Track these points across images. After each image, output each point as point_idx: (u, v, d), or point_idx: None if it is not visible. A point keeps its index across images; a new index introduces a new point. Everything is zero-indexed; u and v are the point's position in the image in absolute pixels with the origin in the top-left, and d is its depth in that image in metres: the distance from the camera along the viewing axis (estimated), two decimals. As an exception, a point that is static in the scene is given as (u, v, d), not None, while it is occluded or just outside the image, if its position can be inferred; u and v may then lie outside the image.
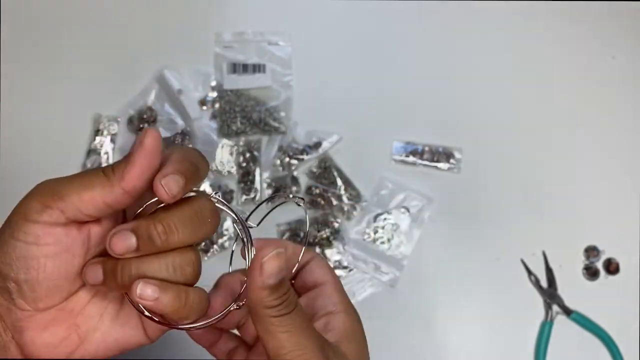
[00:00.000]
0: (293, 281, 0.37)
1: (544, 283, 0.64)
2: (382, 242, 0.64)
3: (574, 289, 0.64)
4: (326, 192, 0.65)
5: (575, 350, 0.63)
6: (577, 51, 0.69)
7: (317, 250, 0.64)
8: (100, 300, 0.32)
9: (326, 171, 0.66)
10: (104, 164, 0.65)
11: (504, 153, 0.67)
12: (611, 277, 0.64)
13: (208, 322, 0.33)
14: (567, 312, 0.63)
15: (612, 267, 0.64)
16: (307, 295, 0.36)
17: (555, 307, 0.63)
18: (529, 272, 0.64)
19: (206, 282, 0.66)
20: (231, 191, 0.65)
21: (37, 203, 0.29)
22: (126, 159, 0.29)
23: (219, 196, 0.32)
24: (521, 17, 0.70)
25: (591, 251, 0.64)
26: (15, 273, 0.29)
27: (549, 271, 0.64)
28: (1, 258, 0.29)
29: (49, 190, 0.30)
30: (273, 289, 0.29)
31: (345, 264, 0.64)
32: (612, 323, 0.63)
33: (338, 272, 0.64)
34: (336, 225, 0.64)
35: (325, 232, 0.64)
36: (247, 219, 0.34)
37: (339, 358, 0.32)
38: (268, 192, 0.65)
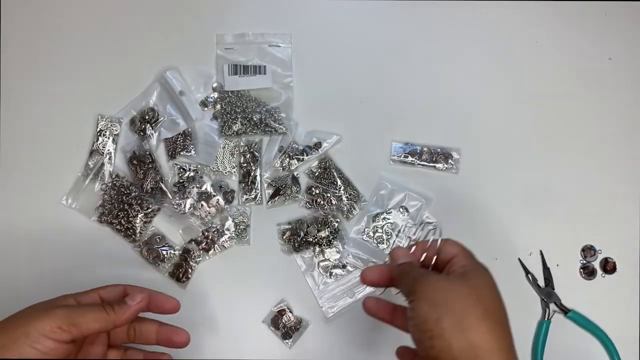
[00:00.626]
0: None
1: (541, 282, 0.64)
2: (381, 242, 0.65)
3: (571, 288, 0.64)
4: (326, 192, 0.66)
5: (572, 348, 0.64)
6: (574, 53, 0.70)
7: (317, 249, 0.65)
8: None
9: (326, 171, 0.66)
10: (106, 165, 0.66)
11: (501, 154, 0.67)
12: (608, 277, 0.65)
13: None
14: (564, 311, 0.63)
15: (609, 267, 0.64)
16: (446, 267, 0.45)
17: (552, 306, 0.63)
18: (526, 271, 0.64)
19: (207, 281, 0.67)
20: (232, 191, 0.66)
21: (57, 325, 0.42)
22: (126, 307, 0.47)
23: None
24: (519, 19, 0.70)
25: (588, 251, 0.65)
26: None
27: (546, 270, 0.64)
28: (17, 357, 0.41)
29: (66, 316, 0.43)
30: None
31: (344, 263, 0.65)
32: (609, 322, 0.63)
33: (337, 271, 0.64)
34: (336, 224, 0.65)
35: (325, 232, 0.64)
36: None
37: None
38: (269, 192, 0.66)
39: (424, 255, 0.46)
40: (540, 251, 0.65)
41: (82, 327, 0.43)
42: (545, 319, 0.63)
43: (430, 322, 0.39)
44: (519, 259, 0.65)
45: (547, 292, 0.64)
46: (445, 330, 0.38)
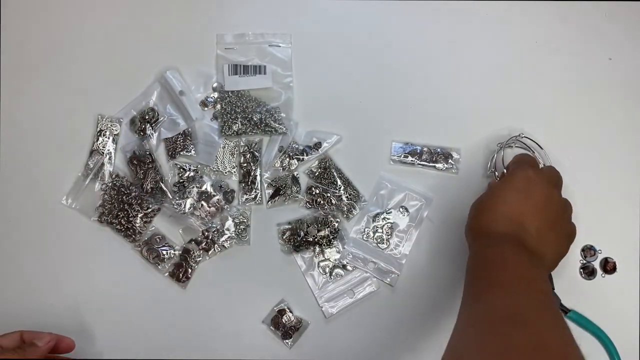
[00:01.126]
0: None
1: None
2: (381, 242, 0.65)
3: (571, 288, 0.64)
4: (326, 192, 0.66)
5: None
6: (574, 53, 0.70)
7: (317, 249, 0.65)
8: None
9: (326, 171, 0.66)
10: (106, 165, 0.66)
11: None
12: (608, 277, 0.65)
13: None
14: (564, 311, 0.63)
15: (609, 267, 0.64)
16: None
17: None
18: None
19: (207, 281, 0.67)
20: (232, 191, 0.66)
21: None
22: (33, 347, 0.55)
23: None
24: (519, 19, 0.71)
25: (588, 250, 0.65)
26: None
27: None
28: None
29: None
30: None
31: (344, 263, 0.65)
32: (609, 322, 0.63)
33: (337, 271, 0.64)
34: (336, 224, 0.65)
35: (325, 232, 0.64)
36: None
37: None
38: (269, 192, 0.66)
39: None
40: None
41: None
42: None
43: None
44: None
45: None
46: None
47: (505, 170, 0.62)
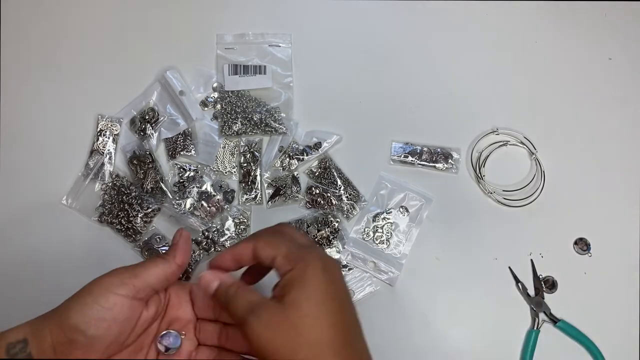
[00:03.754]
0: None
1: (531, 291, 0.63)
2: (381, 242, 0.65)
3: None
4: (326, 192, 0.66)
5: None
6: (574, 53, 0.70)
7: (317, 249, 0.65)
8: None
9: (326, 171, 0.66)
10: (106, 165, 0.66)
11: (501, 154, 0.67)
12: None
13: None
14: (554, 320, 0.62)
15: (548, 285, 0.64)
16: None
17: (541, 316, 0.62)
18: (516, 280, 0.64)
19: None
20: (232, 191, 0.66)
21: (118, 280, 0.41)
22: (173, 247, 0.44)
23: None
24: (519, 19, 0.71)
25: (580, 243, 0.65)
26: (89, 330, 0.39)
27: (536, 279, 0.63)
28: (83, 318, 0.39)
29: (126, 272, 0.41)
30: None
31: (344, 263, 0.65)
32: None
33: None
34: (336, 224, 0.65)
35: (325, 232, 0.64)
36: None
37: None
38: (269, 192, 0.66)
39: (243, 267, 0.45)
40: (531, 260, 0.64)
41: (142, 276, 0.41)
42: (534, 328, 0.62)
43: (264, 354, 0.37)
44: (509, 267, 0.64)
45: (536, 302, 0.63)
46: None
47: None
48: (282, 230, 0.45)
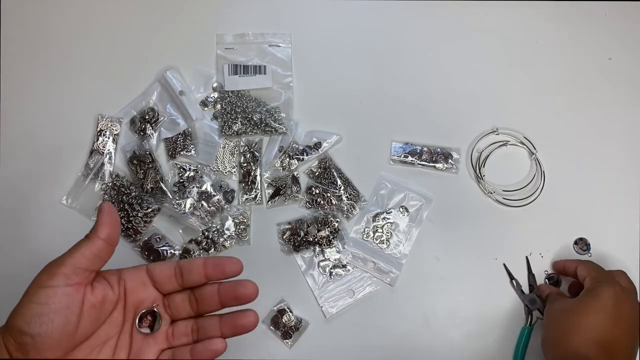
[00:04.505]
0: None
1: (525, 288, 0.64)
2: (381, 242, 0.65)
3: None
4: (326, 192, 0.66)
5: None
6: (574, 53, 0.70)
7: (317, 249, 0.65)
8: (94, 357, 0.43)
9: (326, 171, 0.66)
10: (106, 164, 0.66)
11: (501, 154, 0.67)
12: None
13: None
14: None
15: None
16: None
17: (535, 313, 0.62)
18: (511, 277, 0.64)
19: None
20: (232, 191, 0.66)
21: (46, 273, 0.41)
22: (95, 223, 0.43)
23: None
24: (519, 19, 0.71)
25: (581, 243, 0.65)
26: (31, 329, 0.39)
27: (530, 276, 0.64)
28: (23, 319, 0.39)
29: (54, 263, 0.42)
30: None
31: (344, 263, 0.65)
32: None
33: (337, 271, 0.64)
34: (336, 224, 0.65)
35: (325, 232, 0.64)
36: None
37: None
38: (269, 192, 0.66)
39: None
40: (527, 257, 0.65)
41: (67, 261, 0.41)
42: (528, 325, 0.62)
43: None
44: (504, 264, 0.64)
45: (530, 299, 0.63)
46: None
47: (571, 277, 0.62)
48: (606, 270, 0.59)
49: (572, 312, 0.55)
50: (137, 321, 0.45)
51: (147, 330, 0.45)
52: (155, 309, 0.46)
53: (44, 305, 0.39)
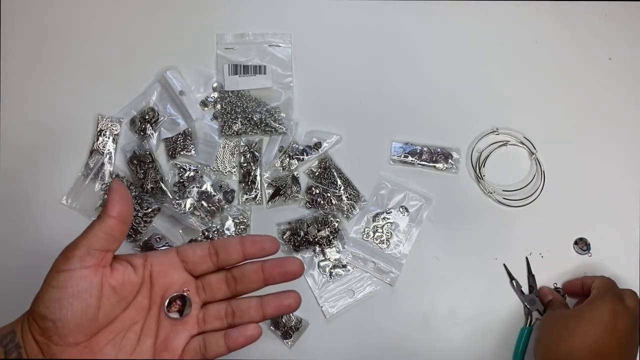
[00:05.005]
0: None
1: (525, 289, 0.64)
2: (381, 242, 0.65)
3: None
4: (326, 192, 0.66)
5: None
6: (574, 53, 0.70)
7: (317, 249, 0.65)
8: (118, 342, 0.42)
9: (326, 171, 0.66)
10: (106, 164, 0.66)
11: (500, 154, 0.67)
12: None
13: None
14: None
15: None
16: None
17: (535, 313, 0.62)
18: (511, 277, 0.64)
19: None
20: (232, 191, 0.66)
21: (62, 257, 0.40)
22: (106, 203, 0.42)
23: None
24: (519, 19, 0.71)
25: (581, 243, 0.65)
26: (52, 313, 0.39)
27: (530, 277, 0.64)
28: (43, 304, 0.39)
29: (68, 247, 0.41)
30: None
31: (344, 263, 0.65)
32: None
33: (337, 271, 0.64)
34: (336, 224, 0.65)
35: (325, 232, 0.64)
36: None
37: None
38: (269, 192, 0.66)
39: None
40: (526, 258, 0.65)
41: (82, 244, 0.40)
42: (527, 326, 0.62)
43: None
44: (504, 264, 0.64)
45: (530, 299, 0.63)
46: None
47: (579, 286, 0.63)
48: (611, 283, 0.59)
49: (568, 319, 0.56)
50: (165, 306, 0.44)
51: (176, 315, 0.44)
52: (185, 294, 0.44)
53: (63, 290, 0.39)
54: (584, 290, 0.61)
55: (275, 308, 0.44)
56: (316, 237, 0.64)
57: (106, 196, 0.44)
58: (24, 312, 0.41)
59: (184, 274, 0.45)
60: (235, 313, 0.44)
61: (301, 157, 0.66)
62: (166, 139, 0.66)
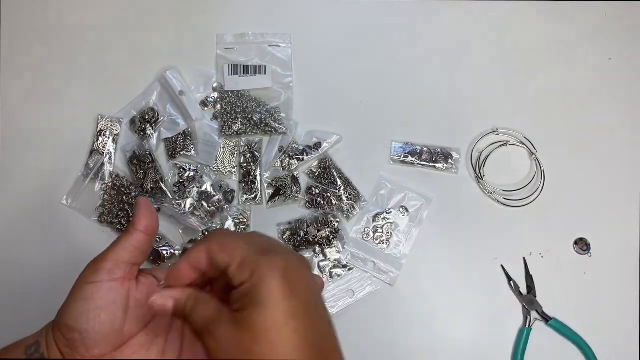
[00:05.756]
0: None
1: (523, 290, 0.64)
2: (381, 242, 0.65)
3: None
4: (326, 192, 0.66)
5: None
6: (574, 52, 0.70)
7: (317, 249, 0.65)
8: (142, 355, 0.41)
9: (326, 171, 0.66)
10: (106, 164, 0.66)
11: (500, 154, 0.67)
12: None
13: None
14: (546, 319, 0.62)
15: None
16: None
17: (533, 314, 0.62)
18: (509, 278, 0.64)
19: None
20: (232, 191, 0.66)
21: (89, 269, 0.40)
22: (133, 217, 0.42)
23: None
24: (519, 19, 0.71)
25: (581, 243, 0.65)
26: (79, 325, 0.38)
27: (528, 278, 0.64)
28: (70, 315, 0.39)
29: (96, 259, 0.41)
30: None
31: (344, 263, 0.65)
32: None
33: (337, 271, 0.64)
34: (336, 224, 0.65)
35: (325, 232, 0.64)
36: None
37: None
38: (269, 192, 0.66)
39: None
40: (524, 258, 0.65)
41: (109, 256, 0.40)
42: (526, 327, 0.62)
43: None
44: (502, 265, 0.64)
45: (529, 300, 0.63)
46: None
47: None
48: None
49: (256, 352, 0.35)
50: None
51: None
52: None
53: (90, 301, 0.39)
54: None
55: None
56: (316, 237, 0.64)
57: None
58: (48, 323, 0.41)
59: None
60: None
61: (301, 157, 0.66)
62: (166, 139, 0.66)
